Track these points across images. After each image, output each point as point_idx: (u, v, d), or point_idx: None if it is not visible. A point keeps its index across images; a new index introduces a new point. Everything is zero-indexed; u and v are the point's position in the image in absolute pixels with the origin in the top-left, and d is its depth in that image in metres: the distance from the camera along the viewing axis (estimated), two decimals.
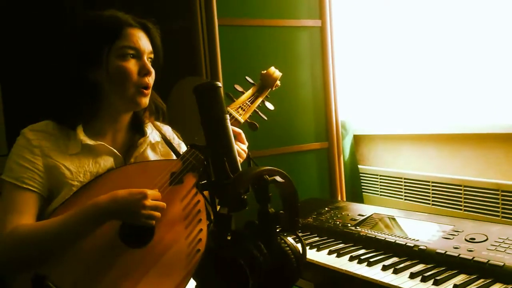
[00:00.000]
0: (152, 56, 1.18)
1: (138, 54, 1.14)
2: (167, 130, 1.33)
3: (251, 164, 0.86)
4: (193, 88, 0.84)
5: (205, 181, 0.86)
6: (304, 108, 1.90)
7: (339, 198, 2.00)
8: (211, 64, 1.66)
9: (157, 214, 1.07)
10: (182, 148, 1.32)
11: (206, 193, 0.93)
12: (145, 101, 1.18)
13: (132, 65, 1.13)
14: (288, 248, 0.79)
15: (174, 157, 1.24)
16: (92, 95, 1.16)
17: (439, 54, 1.93)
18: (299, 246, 0.83)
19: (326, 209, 1.65)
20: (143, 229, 1.11)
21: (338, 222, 1.50)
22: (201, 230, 1.17)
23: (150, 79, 1.17)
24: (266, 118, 1.34)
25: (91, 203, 1.04)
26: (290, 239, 0.82)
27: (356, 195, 2.19)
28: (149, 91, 1.18)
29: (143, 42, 1.15)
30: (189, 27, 1.64)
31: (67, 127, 1.16)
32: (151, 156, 1.26)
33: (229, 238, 0.72)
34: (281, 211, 0.78)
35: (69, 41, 1.19)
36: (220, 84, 0.86)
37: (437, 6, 1.90)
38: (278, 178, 0.78)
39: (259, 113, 1.35)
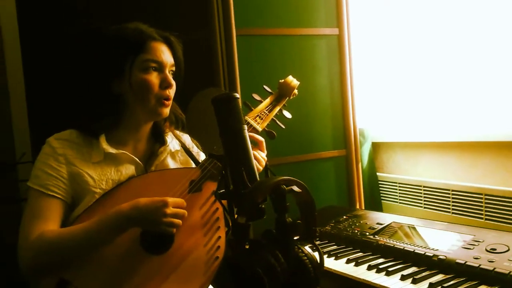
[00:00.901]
0: (173, 68, 1.22)
1: (160, 67, 1.17)
2: (187, 139, 1.35)
3: (268, 174, 0.87)
4: (212, 99, 0.86)
5: (223, 190, 0.88)
6: (322, 115, 1.91)
7: (358, 206, 1.99)
8: (229, 73, 1.68)
9: (178, 221, 1.09)
10: (201, 156, 1.35)
11: (224, 202, 0.95)
12: (166, 111, 1.21)
13: (154, 78, 1.17)
14: (305, 257, 0.80)
15: (193, 165, 1.27)
16: (115, 105, 1.20)
17: (459, 61, 1.91)
18: (316, 255, 0.84)
19: (344, 217, 1.64)
20: (163, 236, 1.13)
21: (356, 231, 1.49)
22: (219, 237, 1.19)
23: (171, 91, 1.20)
24: (283, 127, 1.36)
25: (114, 211, 1.07)
26: (307, 248, 0.82)
27: (375, 203, 2.17)
28: (169, 103, 1.21)
29: (166, 56, 1.18)
30: (207, 37, 1.67)
31: (91, 136, 1.20)
32: (171, 164, 1.29)
33: (247, 247, 0.74)
34: (298, 221, 0.79)
35: (95, 53, 1.23)
36: (238, 95, 0.87)
37: (456, 12, 1.89)
38: (295, 188, 0.79)
39: (277, 121, 1.36)
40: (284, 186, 0.78)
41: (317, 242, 0.85)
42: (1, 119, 2.69)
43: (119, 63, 1.16)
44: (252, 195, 0.74)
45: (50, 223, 1.11)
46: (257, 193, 0.75)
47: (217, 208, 1.21)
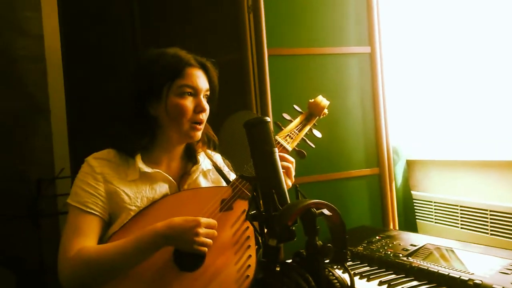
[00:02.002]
0: (208, 93, 1.26)
1: (195, 92, 1.22)
2: (218, 158, 1.38)
3: (299, 196, 0.88)
4: (244, 123, 0.89)
5: (254, 211, 0.90)
6: (354, 133, 1.90)
7: (391, 226, 1.95)
8: (260, 93, 1.71)
9: (209, 241, 1.12)
10: (232, 176, 1.37)
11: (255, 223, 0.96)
12: (198, 135, 1.26)
13: (188, 103, 1.21)
14: (336, 281, 0.80)
15: (224, 184, 1.29)
16: (151, 127, 1.25)
17: (495, 77, 1.86)
18: (347, 277, 0.83)
19: (377, 237, 1.62)
20: (194, 254, 1.15)
21: (389, 252, 1.47)
22: (250, 256, 1.21)
23: (204, 115, 1.24)
24: (313, 146, 1.36)
25: (149, 229, 1.11)
26: (337, 271, 0.82)
27: (409, 223, 2.12)
28: (202, 126, 1.25)
29: (201, 81, 1.23)
30: (239, 57, 1.71)
31: (127, 155, 1.25)
32: (203, 183, 1.32)
33: (278, 269, 0.74)
34: (329, 244, 0.79)
35: (134, 76, 1.29)
36: (269, 119, 0.89)
37: (492, 27, 1.85)
38: (325, 211, 0.80)
39: (307, 141, 1.37)
40: (315, 210, 0.79)
41: (349, 263, 0.85)
42: (42, 135, 2.83)
43: (157, 87, 1.21)
44: (283, 218, 0.75)
45: (88, 239, 1.16)
46: (288, 216, 0.76)
47: (248, 227, 1.22)
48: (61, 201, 2.70)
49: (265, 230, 0.90)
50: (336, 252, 0.82)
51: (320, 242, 0.79)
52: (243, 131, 0.94)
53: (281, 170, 0.88)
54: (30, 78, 2.81)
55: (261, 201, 0.93)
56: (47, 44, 2.84)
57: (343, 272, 0.86)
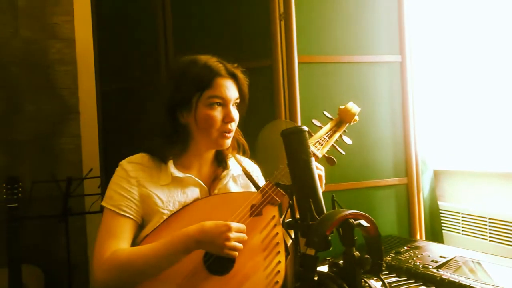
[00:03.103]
0: (238, 101, 1.27)
1: (224, 103, 1.23)
2: (247, 163, 1.40)
3: (335, 206, 0.88)
4: (281, 132, 0.90)
5: (290, 219, 0.91)
6: (382, 142, 1.89)
7: (418, 237, 1.93)
8: (290, 100, 1.72)
9: (240, 246, 1.13)
10: (260, 180, 1.38)
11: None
12: (227, 143, 1.27)
13: (217, 113, 1.22)
14: None
15: (253, 189, 1.30)
16: (182, 134, 1.27)
17: None
18: None
19: (405, 248, 1.60)
20: (224, 258, 1.17)
21: (418, 263, 1.45)
22: (279, 262, 1.21)
23: (233, 125, 1.25)
24: (343, 153, 1.36)
25: (181, 233, 1.13)
26: (374, 283, 0.82)
27: (436, 234, 2.09)
28: (231, 135, 1.26)
29: (231, 91, 1.24)
30: (270, 65, 1.72)
31: (160, 160, 1.28)
32: (233, 187, 1.33)
33: (315, 278, 0.75)
34: (366, 256, 0.80)
35: (166, 85, 1.31)
36: (306, 128, 0.90)
37: None
38: (363, 222, 0.80)
39: (337, 147, 1.37)
40: (353, 220, 0.79)
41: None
42: (71, 137, 2.91)
43: (187, 96, 1.23)
44: (321, 228, 0.76)
45: (121, 241, 1.19)
46: (326, 226, 0.76)
47: (277, 233, 1.23)
48: (88, 201, 2.77)
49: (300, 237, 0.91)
50: (372, 263, 0.82)
51: (357, 252, 0.80)
52: (277, 139, 0.96)
53: (317, 179, 0.88)
54: (62, 81, 2.89)
55: (295, 210, 0.94)
56: (78, 48, 2.92)
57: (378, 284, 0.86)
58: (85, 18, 2.62)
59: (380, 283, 0.86)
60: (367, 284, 0.81)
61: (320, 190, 0.89)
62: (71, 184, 2.66)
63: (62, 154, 2.89)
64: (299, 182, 0.87)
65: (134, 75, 2.05)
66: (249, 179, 1.34)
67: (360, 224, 0.80)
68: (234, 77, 1.25)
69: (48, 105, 2.86)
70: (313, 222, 0.81)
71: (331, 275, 0.77)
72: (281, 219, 1.34)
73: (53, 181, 2.66)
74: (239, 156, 1.38)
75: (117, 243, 1.17)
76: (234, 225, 1.13)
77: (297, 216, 0.90)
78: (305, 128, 0.90)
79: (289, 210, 0.94)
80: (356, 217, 0.80)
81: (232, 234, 1.12)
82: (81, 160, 2.94)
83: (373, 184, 1.82)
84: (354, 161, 1.71)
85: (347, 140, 1.37)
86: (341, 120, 1.38)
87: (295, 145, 0.88)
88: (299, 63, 1.72)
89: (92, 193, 2.67)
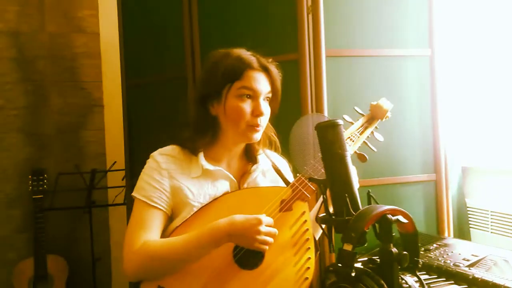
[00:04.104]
0: (269, 96, 1.26)
1: (254, 95, 1.23)
2: (276, 158, 1.39)
3: (371, 202, 0.87)
4: (316, 126, 0.89)
5: (324, 214, 0.90)
6: (410, 138, 1.85)
7: (446, 234, 1.90)
8: (316, 94, 1.70)
9: (270, 240, 1.12)
10: (289, 176, 1.37)
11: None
12: (256, 137, 1.26)
13: (246, 105, 1.22)
14: None
15: (282, 184, 1.30)
16: (212, 126, 1.27)
17: None
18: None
19: (435, 245, 1.57)
20: (254, 252, 1.17)
21: (449, 261, 1.42)
22: (309, 258, 1.21)
23: (262, 119, 1.24)
24: (375, 150, 1.34)
25: (212, 226, 1.13)
26: (411, 280, 0.81)
27: (463, 231, 2.06)
28: (260, 129, 1.25)
29: (262, 84, 1.23)
30: (296, 59, 1.70)
31: (190, 153, 1.28)
32: (262, 182, 1.33)
33: (353, 274, 0.74)
34: (404, 252, 0.78)
35: (200, 76, 1.31)
36: (341, 122, 0.89)
37: None
38: (401, 218, 0.79)
39: (368, 144, 1.35)
40: (391, 216, 0.78)
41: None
42: (95, 129, 2.95)
43: (218, 87, 1.23)
44: (360, 223, 0.75)
45: (152, 233, 1.20)
46: (364, 221, 0.75)
47: (307, 229, 1.22)
48: (111, 194, 2.81)
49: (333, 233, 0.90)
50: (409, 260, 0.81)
51: (395, 249, 0.78)
52: (307, 133, 0.95)
53: (352, 174, 0.87)
54: (86, 74, 2.94)
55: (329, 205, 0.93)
56: (103, 42, 2.96)
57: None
58: (110, 11, 2.65)
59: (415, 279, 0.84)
60: (403, 281, 0.80)
61: (356, 185, 0.87)
62: (95, 177, 2.70)
63: (86, 147, 2.94)
64: (334, 177, 0.86)
65: (159, 69, 2.06)
66: (278, 174, 1.33)
67: (398, 220, 0.79)
68: (266, 70, 1.25)
69: (73, 98, 2.91)
70: (349, 218, 0.80)
71: (368, 271, 0.76)
72: (315, 215, 1.34)
73: (77, 173, 2.72)
74: (268, 151, 1.38)
75: (148, 234, 1.18)
76: (265, 219, 1.13)
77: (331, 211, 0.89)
78: (341, 122, 0.88)
79: (322, 205, 0.93)
80: (394, 213, 0.79)
81: (263, 228, 1.11)
82: (105, 153, 2.98)
83: (400, 180, 1.79)
84: (382, 157, 1.68)
85: (379, 136, 1.34)
86: (373, 116, 1.35)
87: (331, 139, 0.87)
88: (326, 57, 1.70)
89: (115, 186, 2.71)
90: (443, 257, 1.47)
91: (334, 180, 0.86)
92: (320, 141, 0.88)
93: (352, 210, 0.82)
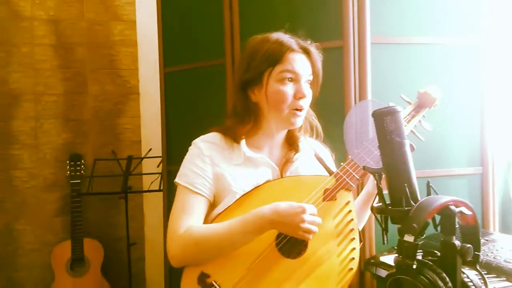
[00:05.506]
0: (311, 78, 1.23)
1: (296, 78, 1.20)
2: (318, 147, 1.36)
3: (431, 193, 0.83)
4: (373, 113, 0.86)
5: (380, 204, 0.87)
6: (457, 129, 1.78)
7: (492, 229, 1.83)
8: (360, 82, 1.66)
9: (315, 229, 1.11)
10: (331, 164, 1.34)
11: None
12: (298, 121, 1.24)
13: (288, 89, 1.20)
14: (472, 284, 0.76)
15: (325, 173, 1.27)
16: (254, 113, 1.25)
17: None
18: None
19: (482, 240, 1.52)
20: (297, 240, 1.15)
21: (499, 257, 1.37)
22: (353, 248, 1.18)
23: (305, 102, 1.22)
24: (423, 139, 1.29)
25: (256, 212, 1.12)
26: (472, 274, 0.78)
27: (507, 227, 1.98)
28: (302, 113, 1.23)
29: (302, 66, 1.20)
30: (341, 45, 1.66)
31: (232, 140, 1.27)
32: (304, 171, 1.31)
33: (414, 266, 0.72)
34: (468, 245, 0.75)
35: (239, 63, 1.30)
36: (400, 109, 0.85)
37: None
38: (464, 210, 0.75)
39: (415, 133, 1.30)
40: (454, 207, 0.75)
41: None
42: (131, 117, 2.99)
43: (258, 72, 1.21)
44: (422, 214, 0.72)
45: (195, 218, 1.20)
46: (426, 212, 0.72)
47: (352, 219, 1.20)
48: (147, 180, 2.85)
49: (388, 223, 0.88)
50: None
51: (458, 242, 0.75)
52: (361, 121, 0.92)
53: (411, 163, 0.84)
54: (123, 62, 2.97)
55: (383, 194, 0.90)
56: (139, 29, 2.98)
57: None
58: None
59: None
60: (465, 275, 0.77)
61: (415, 175, 0.84)
62: (131, 163, 2.74)
63: (123, 133, 2.99)
64: (392, 166, 0.83)
65: (197, 56, 2.05)
66: (320, 163, 1.31)
67: (461, 212, 0.75)
68: (306, 52, 1.22)
69: (110, 85, 2.95)
70: (409, 208, 0.77)
71: (429, 264, 0.73)
72: (359, 205, 1.31)
73: (114, 159, 2.77)
74: (310, 139, 1.35)
75: (191, 219, 1.19)
76: (309, 207, 1.12)
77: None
78: (399, 109, 0.85)
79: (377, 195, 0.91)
80: (457, 204, 0.76)
81: (307, 217, 1.10)
82: (140, 140, 3.02)
83: (446, 173, 1.74)
84: (427, 148, 1.62)
85: (427, 126, 1.30)
86: (421, 104, 1.31)
87: (389, 126, 0.83)
88: (371, 44, 1.65)
89: (150, 173, 2.75)
90: (492, 252, 1.42)
91: (392, 169, 0.83)
92: (377, 129, 0.85)
93: (411, 201, 0.79)
